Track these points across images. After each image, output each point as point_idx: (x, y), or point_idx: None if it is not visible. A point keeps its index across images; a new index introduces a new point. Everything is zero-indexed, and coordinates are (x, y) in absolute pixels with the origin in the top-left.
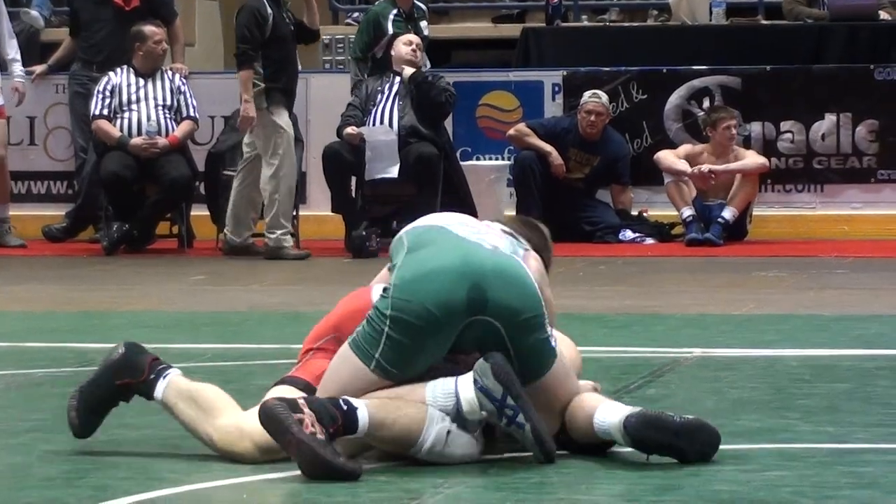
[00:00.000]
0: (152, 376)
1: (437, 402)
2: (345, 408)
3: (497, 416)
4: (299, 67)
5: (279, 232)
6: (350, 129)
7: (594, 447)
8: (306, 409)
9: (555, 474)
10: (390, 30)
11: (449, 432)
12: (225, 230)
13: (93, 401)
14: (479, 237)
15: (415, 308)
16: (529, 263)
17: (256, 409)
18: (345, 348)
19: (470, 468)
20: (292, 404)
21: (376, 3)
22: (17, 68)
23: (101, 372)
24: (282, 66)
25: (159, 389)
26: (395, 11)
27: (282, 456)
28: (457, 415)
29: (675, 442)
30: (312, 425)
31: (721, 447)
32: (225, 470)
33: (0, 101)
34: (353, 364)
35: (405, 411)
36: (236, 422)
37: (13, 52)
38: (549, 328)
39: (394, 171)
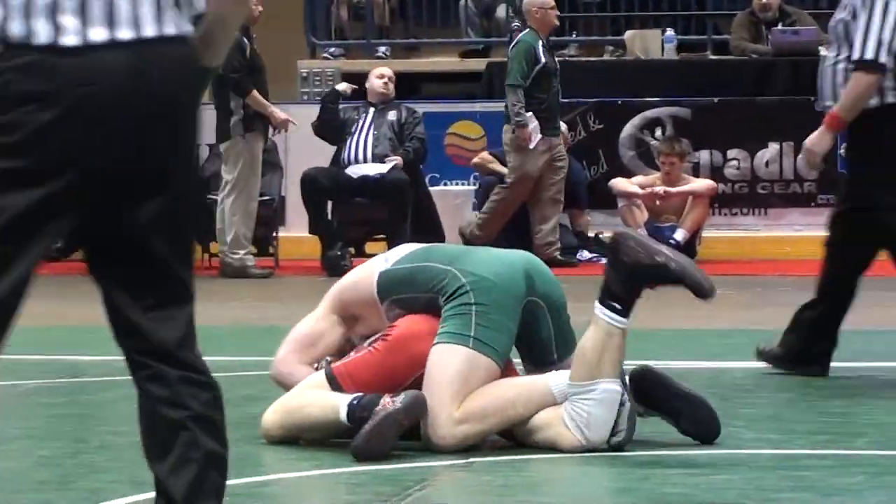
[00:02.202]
0: None
1: (559, 386)
2: None
3: None
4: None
5: (242, 252)
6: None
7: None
8: None
9: (517, 477)
10: (542, 58)
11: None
12: (221, 252)
13: None
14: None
15: (489, 279)
16: None
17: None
18: (437, 349)
19: (441, 472)
20: None
21: (523, 33)
22: None
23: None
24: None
25: None
26: (541, 41)
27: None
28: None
29: (672, 403)
30: None
31: (671, 452)
32: None
33: None
34: (454, 352)
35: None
36: None
37: None
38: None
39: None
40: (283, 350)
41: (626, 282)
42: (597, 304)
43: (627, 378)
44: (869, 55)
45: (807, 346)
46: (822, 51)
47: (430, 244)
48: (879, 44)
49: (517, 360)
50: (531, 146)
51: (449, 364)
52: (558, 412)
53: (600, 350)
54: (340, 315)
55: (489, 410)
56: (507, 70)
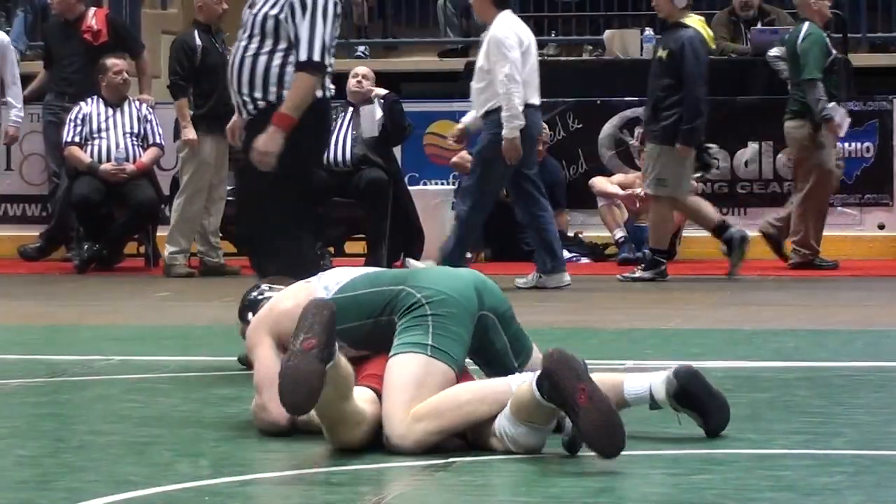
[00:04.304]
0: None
1: (517, 383)
2: None
3: None
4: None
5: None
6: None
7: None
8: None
9: (497, 477)
10: (832, 50)
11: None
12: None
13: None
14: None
15: (444, 292)
16: None
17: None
18: (395, 359)
19: (421, 472)
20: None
21: (806, 25)
22: (14, 113)
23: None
24: (209, 95)
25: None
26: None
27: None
28: None
29: (707, 401)
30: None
31: (650, 452)
32: (188, 473)
33: None
34: (412, 359)
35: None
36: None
37: (12, 97)
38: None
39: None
40: (265, 397)
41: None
42: (535, 381)
43: (672, 373)
44: (316, 57)
45: None
46: (242, 42)
47: (370, 269)
48: (323, 46)
49: (474, 367)
50: (841, 134)
51: (406, 370)
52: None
53: (534, 408)
54: (277, 344)
55: (444, 407)
56: (801, 64)
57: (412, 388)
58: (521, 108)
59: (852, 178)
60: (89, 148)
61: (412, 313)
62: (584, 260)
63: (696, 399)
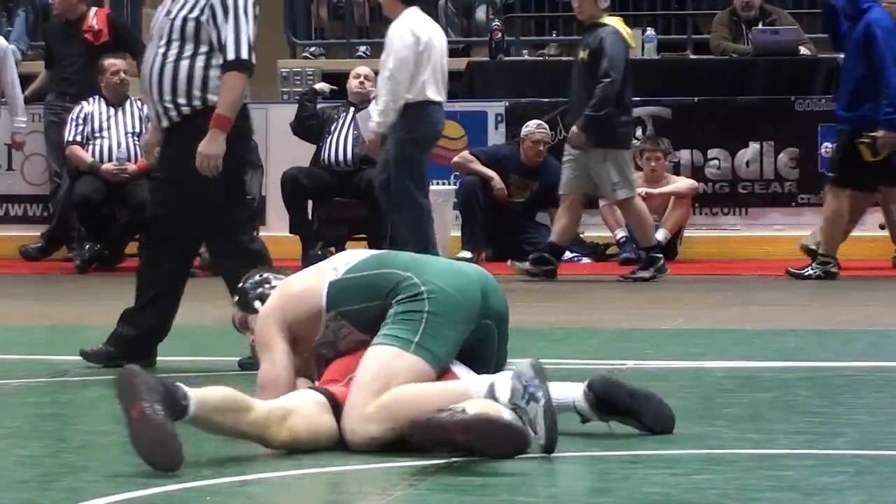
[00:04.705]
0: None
1: (479, 392)
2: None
3: (521, 394)
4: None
5: None
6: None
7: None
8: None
9: (497, 476)
10: None
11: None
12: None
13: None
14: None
15: (448, 291)
16: None
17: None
18: (376, 348)
19: (421, 472)
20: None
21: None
22: (17, 119)
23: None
24: None
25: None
26: None
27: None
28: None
29: (630, 402)
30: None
31: (651, 452)
32: (189, 473)
33: None
34: (390, 352)
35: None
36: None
37: (13, 103)
38: None
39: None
40: (266, 397)
41: None
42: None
43: (585, 387)
44: (244, 55)
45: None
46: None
47: (381, 251)
48: (250, 45)
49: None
50: None
51: (379, 361)
52: None
53: None
54: (286, 337)
55: (398, 405)
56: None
57: (381, 381)
58: (395, 107)
59: None
60: (91, 148)
61: (410, 303)
62: (585, 260)
63: (618, 404)
